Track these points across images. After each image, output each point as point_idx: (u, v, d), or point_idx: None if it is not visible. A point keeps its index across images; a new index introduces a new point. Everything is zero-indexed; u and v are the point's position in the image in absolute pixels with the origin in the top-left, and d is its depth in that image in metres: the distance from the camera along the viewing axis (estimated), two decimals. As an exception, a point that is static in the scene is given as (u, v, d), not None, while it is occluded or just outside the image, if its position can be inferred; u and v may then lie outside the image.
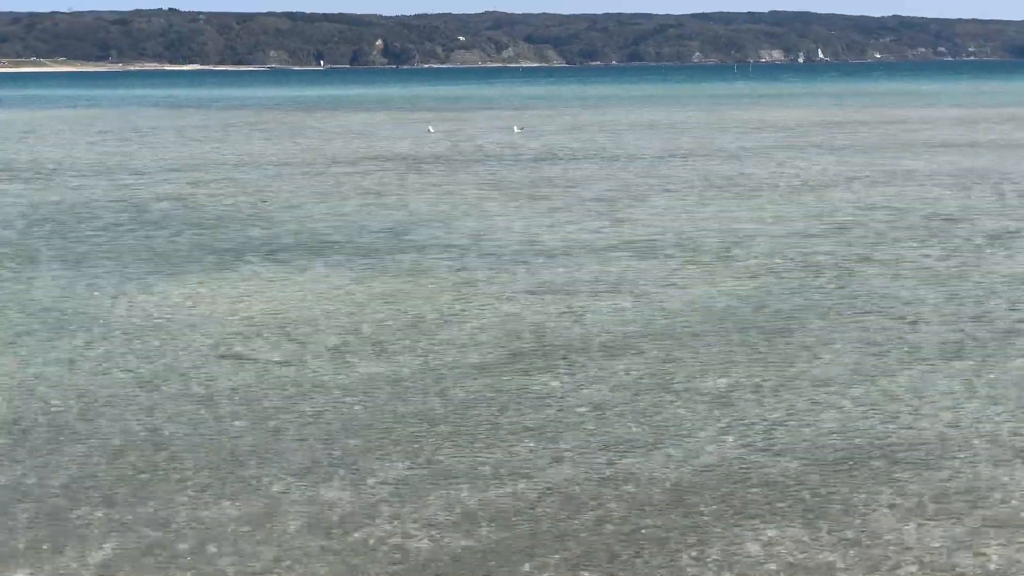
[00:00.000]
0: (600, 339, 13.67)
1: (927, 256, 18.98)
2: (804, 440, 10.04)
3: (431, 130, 54.07)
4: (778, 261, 18.61)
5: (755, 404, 11.13)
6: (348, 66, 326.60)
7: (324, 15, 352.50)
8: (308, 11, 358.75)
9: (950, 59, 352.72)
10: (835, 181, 30.26)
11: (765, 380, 11.89)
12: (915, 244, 20.17)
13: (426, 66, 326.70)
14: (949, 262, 18.41)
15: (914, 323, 14.30)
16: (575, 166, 35.64)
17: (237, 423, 10.68)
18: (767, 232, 21.66)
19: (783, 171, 33.09)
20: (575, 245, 20.46)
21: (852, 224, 22.61)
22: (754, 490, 8.92)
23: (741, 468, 9.41)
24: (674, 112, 71.16)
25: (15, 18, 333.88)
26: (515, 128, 53.71)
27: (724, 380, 11.90)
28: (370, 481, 9.20)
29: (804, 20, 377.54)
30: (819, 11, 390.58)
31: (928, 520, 8.34)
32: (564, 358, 12.80)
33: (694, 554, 7.85)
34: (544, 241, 21.00)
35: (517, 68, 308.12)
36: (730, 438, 10.10)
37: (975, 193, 27.38)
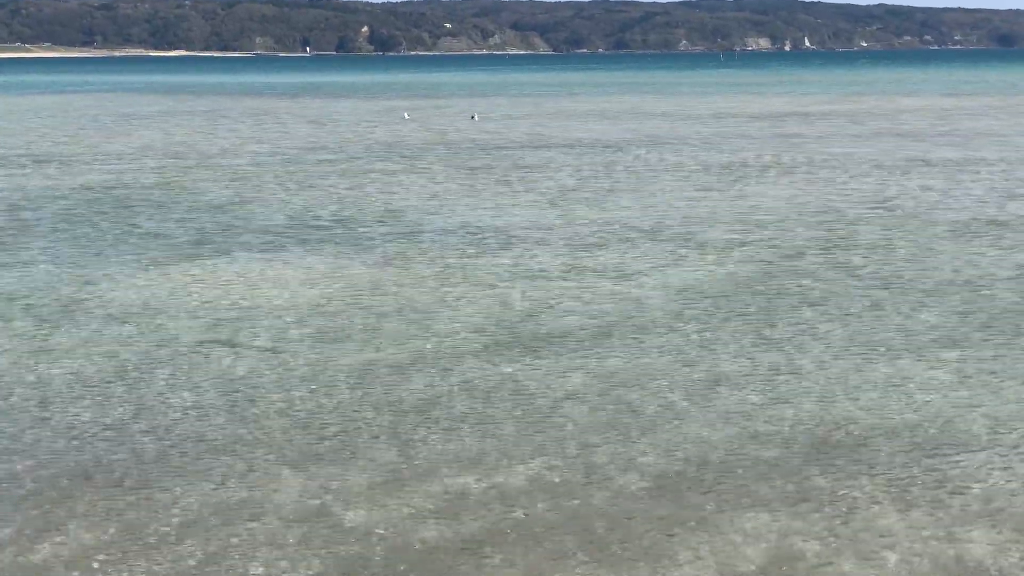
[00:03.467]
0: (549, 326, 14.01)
1: (865, 245, 19.36)
2: (791, 427, 10.15)
3: (407, 116, 54.34)
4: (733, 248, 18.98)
5: (728, 389, 11.36)
6: (334, 53, 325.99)
7: (310, 1, 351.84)
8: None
9: (936, 48, 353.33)
10: (767, 168, 30.61)
11: (722, 367, 12.24)
12: (858, 232, 20.53)
13: (412, 53, 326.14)
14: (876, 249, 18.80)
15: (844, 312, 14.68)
16: (538, 153, 35.92)
17: (220, 409, 10.78)
18: (700, 218, 22.04)
19: (719, 159, 33.42)
20: (528, 230, 20.80)
21: (772, 213, 22.98)
22: (743, 477, 9.00)
23: (729, 455, 9.47)
24: (647, 101, 71.41)
25: (0, 3, 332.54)
26: (474, 116, 53.76)
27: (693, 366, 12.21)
28: (355, 469, 9.28)
29: (790, 8, 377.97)
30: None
31: (916, 509, 8.42)
32: (536, 347, 12.86)
33: (681, 542, 7.90)
34: (507, 227, 21.32)
35: (504, 55, 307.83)
36: (716, 425, 10.19)
37: (908, 180, 27.78)
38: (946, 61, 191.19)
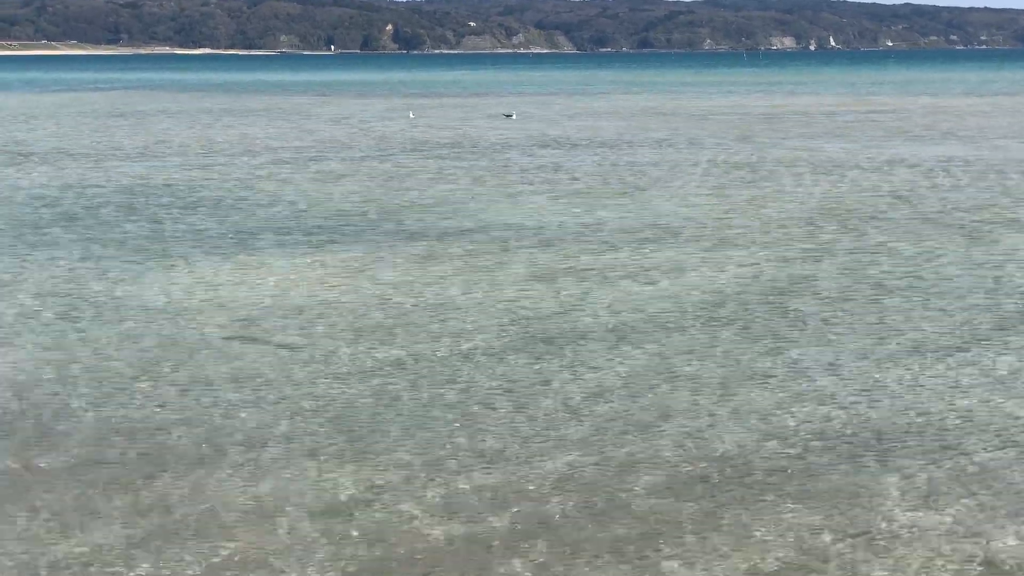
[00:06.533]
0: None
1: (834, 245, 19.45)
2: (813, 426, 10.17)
3: (411, 116, 54.44)
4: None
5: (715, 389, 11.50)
6: (358, 51, 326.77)
7: (334, 0, 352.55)
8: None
9: (962, 47, 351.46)
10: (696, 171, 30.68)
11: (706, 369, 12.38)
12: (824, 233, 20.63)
13: (436, 52, 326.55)
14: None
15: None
16: (555, 152, 36.05)
17: (246, 405, 10.87)
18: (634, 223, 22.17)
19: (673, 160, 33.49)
20: (549, 229, 20.98)
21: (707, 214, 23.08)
22: (766, 475, 9.03)
23: (753, 453, 9.50)
24: (661, 100, 71.42)
25: (26, 0, 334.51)
26: (512, 115, 53.43)
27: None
28: (378, 465, 9.34)
29: (815, 7, 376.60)
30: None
31: (941, 508, 8.43)
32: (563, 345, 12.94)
33: (705, 539, 7.94)
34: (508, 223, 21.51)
35: (527, 54, 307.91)
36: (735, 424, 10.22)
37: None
38: (972, 61, 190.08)
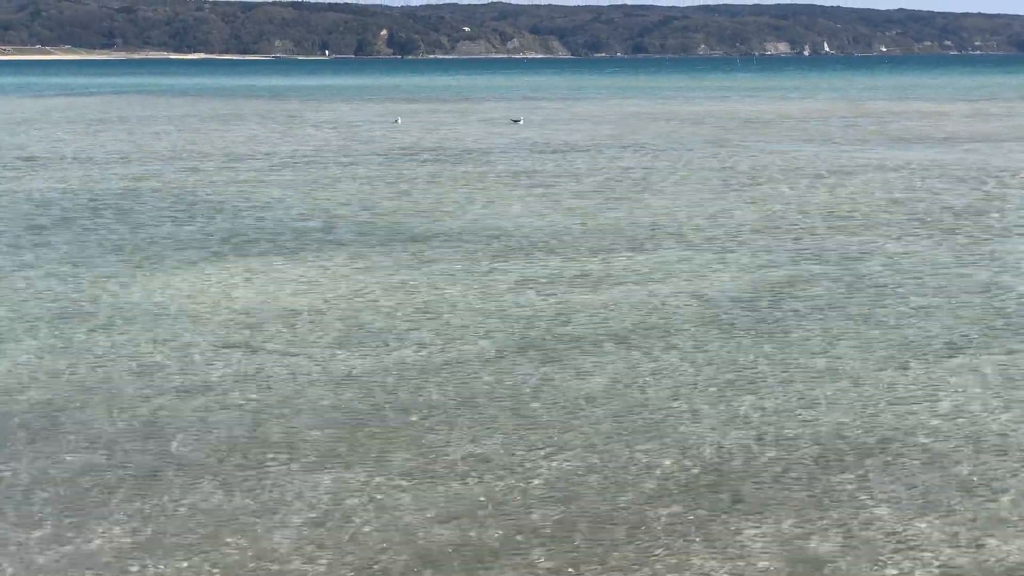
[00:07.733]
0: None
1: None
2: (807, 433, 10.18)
3: (399, 121, 54.46)
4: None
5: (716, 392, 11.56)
6: (352, 56, 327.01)
7: (329, 4, 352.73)
8: (313, 0, 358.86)
9: (956, 53, 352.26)
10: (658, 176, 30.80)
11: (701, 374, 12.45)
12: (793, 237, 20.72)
13: (431, 56, 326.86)
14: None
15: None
16: (551, 158, 36.15)
17: (245, 411, 10.86)
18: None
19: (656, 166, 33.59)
20: (541, 234, 21.07)
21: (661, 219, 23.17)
22: (756, 482, 9.06)
23: (746, 459, 9.52)
24: (648, 104, 71.58)
25: (21, 5, 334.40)
26: (520, 120, 53.32)
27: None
28: (374, 470, 9.36)
29: (810, 13, 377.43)
30: (825, 4, 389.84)
31: (935, 514, 8.43)
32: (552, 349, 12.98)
33: (696, 546, 7.94)
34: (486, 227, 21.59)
35: (522, 59, 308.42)
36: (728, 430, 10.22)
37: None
38: (966, 66, 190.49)
